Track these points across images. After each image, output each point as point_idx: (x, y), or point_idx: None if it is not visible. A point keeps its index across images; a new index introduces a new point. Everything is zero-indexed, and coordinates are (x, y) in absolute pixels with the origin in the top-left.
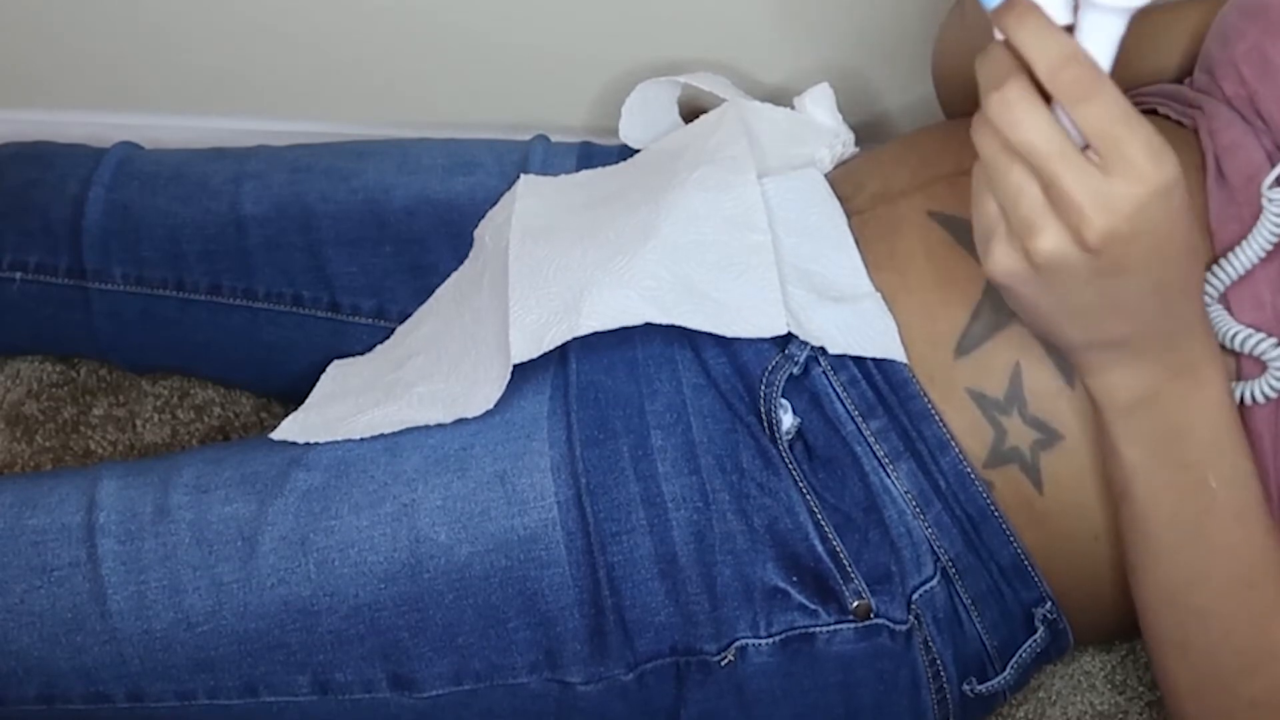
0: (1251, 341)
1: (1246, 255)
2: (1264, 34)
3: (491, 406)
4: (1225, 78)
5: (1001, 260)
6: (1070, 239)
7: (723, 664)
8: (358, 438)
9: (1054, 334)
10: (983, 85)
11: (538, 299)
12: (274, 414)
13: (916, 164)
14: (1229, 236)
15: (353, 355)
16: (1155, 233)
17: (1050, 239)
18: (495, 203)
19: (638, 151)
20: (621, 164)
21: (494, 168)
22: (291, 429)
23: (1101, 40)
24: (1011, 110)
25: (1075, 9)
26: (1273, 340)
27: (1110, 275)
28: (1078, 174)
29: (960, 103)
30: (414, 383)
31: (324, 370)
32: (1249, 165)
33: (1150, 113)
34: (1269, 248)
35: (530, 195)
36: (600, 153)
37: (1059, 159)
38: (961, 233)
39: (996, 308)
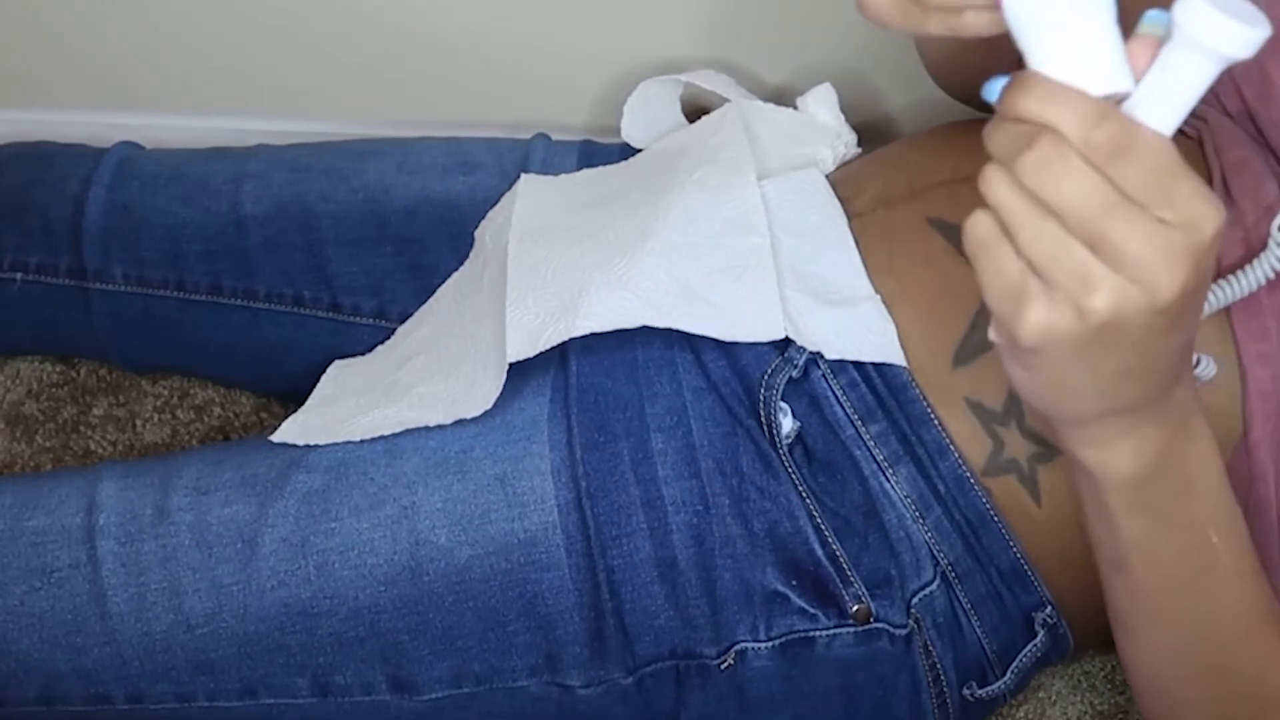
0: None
1: (1243, 283)
2: (1264, 52)
3: (490, 406)
4: (1225, 93)
5: (1044, 320)
6: (1138, 294)
7: (722, 667)
8: (358, 439)
9: (1067, 406)
10: (1002, 154)
11: (535, 299)
12: (274, 414)
13: (915, 170)
14: (1231, 261)
15: (353, 355)
16: (1208, 281)
17: (1112, 294)
18: (496, 202)
19: (639, 150)
20: (622, 163)
21: (494, 167)
22: (291, 431)
23: (1185, 85)
24: (1049, 168)
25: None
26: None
27: (1164, 333)
28: (1137, 226)
29: (942, 61)
30: (414, 384)
31: (324, 370)
32: (1256, 186)
33: None
34: (1264, 281)
35: (530, 195)
36: (601, 151)
37: (1112, 212)
38: (961, 241)
39: None
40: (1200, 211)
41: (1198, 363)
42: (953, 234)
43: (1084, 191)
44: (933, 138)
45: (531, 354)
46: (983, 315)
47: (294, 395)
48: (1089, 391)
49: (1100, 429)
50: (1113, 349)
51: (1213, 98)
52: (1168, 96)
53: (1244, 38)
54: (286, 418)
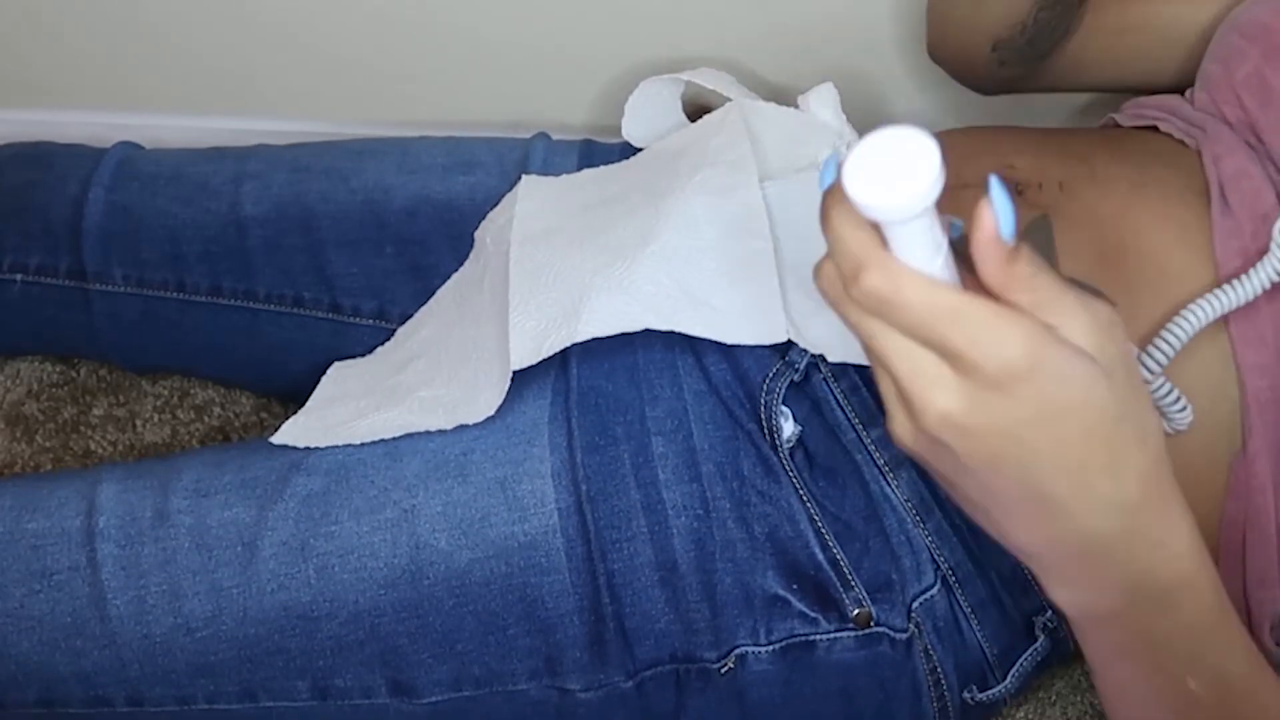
0: (1160, 393)
1: (1246, 289)
2: (1264, 59)
3: (493, 413)
4: (1225, 101)
5: (896, 432)
6: (959, 392)
7: (722, 671)
8: (358, 443)
9: (981, 525)
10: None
11: (538, 305)
12: (274, 414)
13: None
14: (1233, 272)
15: (354, 356)
16: (1061, 395)
17: (941, 399)
18: (495, 203)
19: (640, 150)
20: (623, 163)
21: (494, 167)
22: (291, 433)
23: (915, 247)
24: (872, 299)
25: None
26: (1173, 395)
27: (1005, 440)
28: (962, 321)
29: (951, 52)
30: (415, 387)
31: (325, 371)
32: (1255, 196)
33: (1151, 129)
34: (1268, 285)
35: (531, 197)
36: (602, 151)
37: (944, 320)
38: (963, 249)
39: None
40: (982, 350)
41: (1178, 406)
42: (953, 242)
43: (917, 310)
44: None
45: (535, 361)
46: None
47: (294, 396)
48: (983, 513)
49: (1030, 563)
50: (939, 463)
51: (1212, 106)
52: (916, 261)
53: (890, 202)
54: (286, 418)
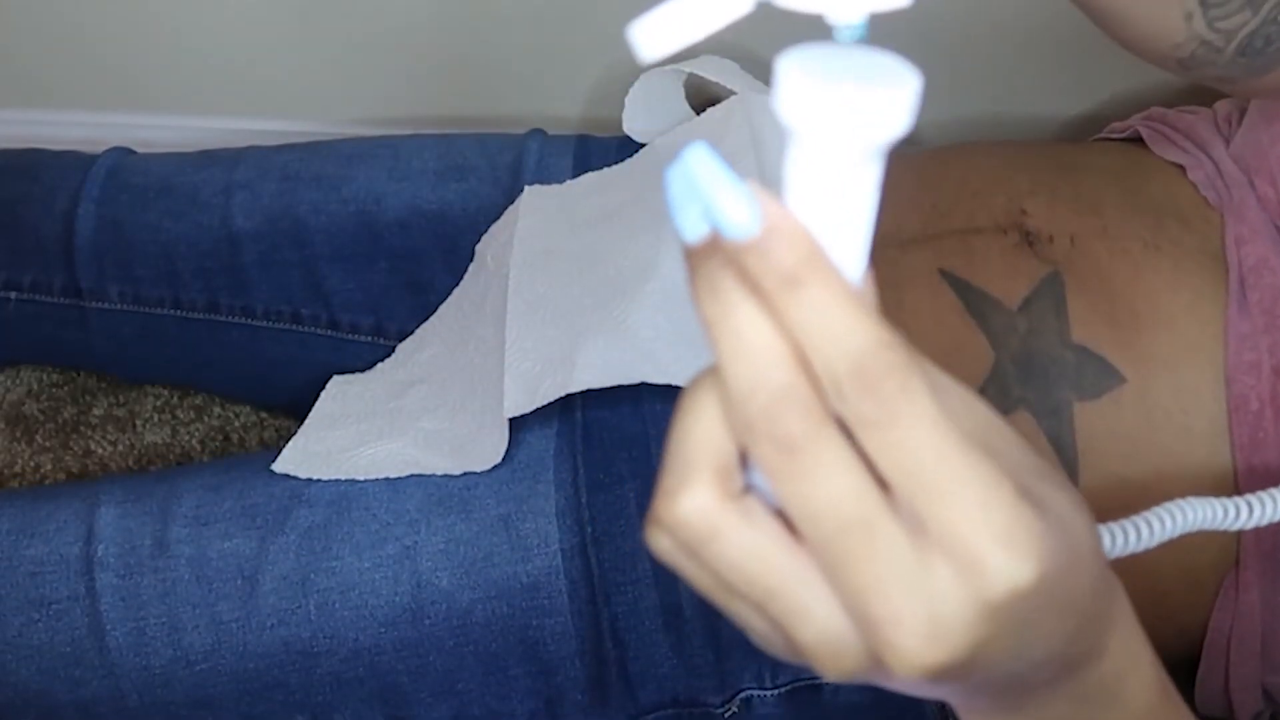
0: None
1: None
2: None
3: (499, 460)
4: (1258, 171)
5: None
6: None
7: (727, 715)
8: (361, 478)
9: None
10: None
11: (534, 345)
12: (274, 414)
13: (930, 210)
14: (1241, 388)
15: (354, 371)
16: (1022, 633)
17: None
18: (489, 211)
19: (639, 146)
20: (626, 166)
21: (487, 172)
22: (292, 459)
23: (853, 214)
24: (893, 403)
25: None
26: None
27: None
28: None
29: None
30: (417, 415)
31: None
32: (1274, 299)
33: (1179, 168)
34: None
35: (533, 212)
36: (599, 147)
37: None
38: (972, 300)
39: (1003, 391)
40: (986, 555)
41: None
42: (964, 292)
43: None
44: (948, 172)
45: (530, 409)
46: (989, 387)
47: (296, 410)
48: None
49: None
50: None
51: (1246, 165)
52: (822, 225)
53: (875, 110)
54: (287, 419)
